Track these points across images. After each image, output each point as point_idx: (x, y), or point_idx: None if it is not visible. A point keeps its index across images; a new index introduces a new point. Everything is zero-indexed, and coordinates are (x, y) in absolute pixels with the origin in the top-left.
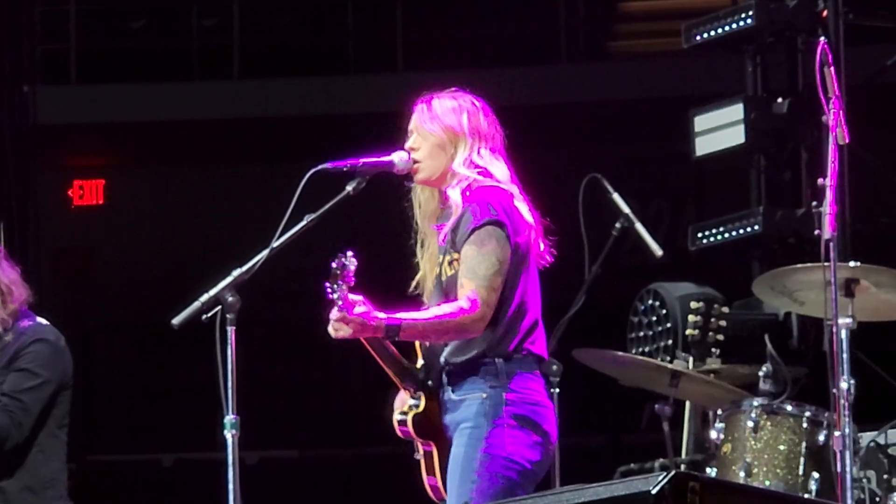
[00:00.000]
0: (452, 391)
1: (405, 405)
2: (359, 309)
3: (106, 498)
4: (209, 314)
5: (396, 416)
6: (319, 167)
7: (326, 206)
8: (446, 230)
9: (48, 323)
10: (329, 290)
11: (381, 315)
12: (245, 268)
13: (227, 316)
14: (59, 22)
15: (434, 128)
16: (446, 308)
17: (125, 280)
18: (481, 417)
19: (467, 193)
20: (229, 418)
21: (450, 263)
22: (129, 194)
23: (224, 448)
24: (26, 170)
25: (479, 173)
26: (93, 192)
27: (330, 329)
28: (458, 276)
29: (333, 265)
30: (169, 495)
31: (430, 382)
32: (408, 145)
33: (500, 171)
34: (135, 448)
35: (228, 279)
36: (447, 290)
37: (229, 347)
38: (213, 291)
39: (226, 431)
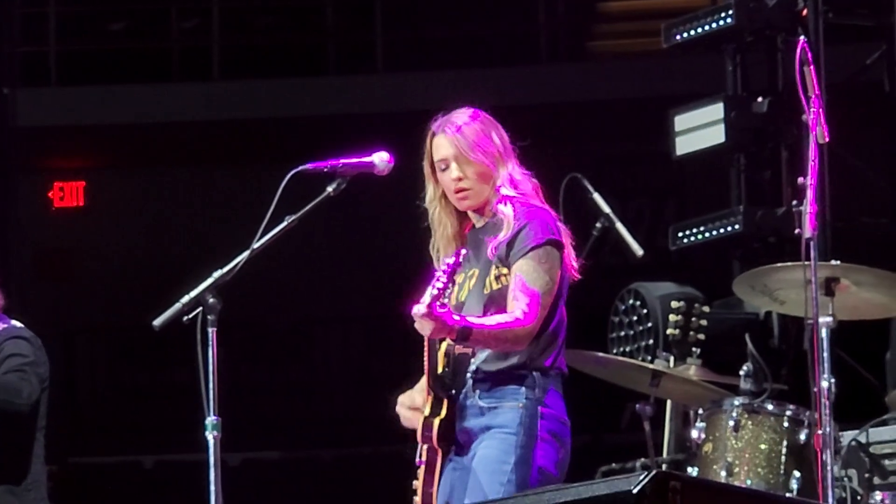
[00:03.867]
0: (480, 398)
1: (429, 407)
2: (441, 309)
3: (87, 500)
4: (190, 316)
5: (423, 417)
6: (299, 168)
7: (307, 208)
8: (499, 243)
9: (23, 325)
10: (437, 283)
11: (457, 317)
12: (226, 269)
13: (209, 317)
14: (39, 24)
15: (477, 157)
16: (506, 318)
17: (106, 282)
18: (518, 426)
19: (515, 208)
20: (211, 420)
21: (497, 278)
22: (109, 196)
23: (205, 449)
24: (6, 172)
25: (520, 192)
26: (73, 193)
27: (416, 325)
28: (512, 287)
29: (450, 262)
30: (150, 497)
31: (453, 391)
32: (452, 177)
33: (529, 188)
34: (116, 450)
35: (209, 281)
36: (489, 304)
37: (210, 349)
38: (194, 293)
39: (207, 433)
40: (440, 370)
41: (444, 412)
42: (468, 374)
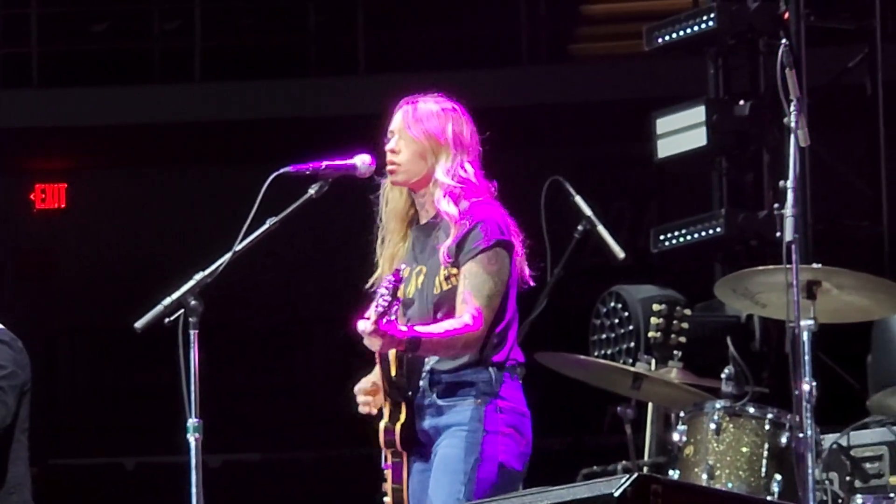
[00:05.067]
0: (438, 397)
1: (388, 413)
2: (386, 323)
3: (68, 502)
4: (172, 318)
5: (384, 424)
6: (281, 170)
7: (289, 210)
8: (448, 245)
9: (3, 327)
10: (381, 300)
11: (404, 328)
12: (207, 271)
13: (190, 319)
14: (21, 25)
15: (417, 133)
16: (455, 324)
17: (88, 283)
18: (476, 422)
19: (463, 206)
20: (192, 421)
21: (446, 278)
22: (90, 198)
23: (186, 451)
24: None
25: (464, 187)
26: (55, 195)
27: (365, 341)
28: (461, 290)
29: (393, 279)
30: (131, 499)
31: (409, 392)
32: (389, 147)
33: (484, 186)
34: (97, 451)
35: (191, 283)
36: (439, 305)
37: (192, 351)
38: (175, 295)
39: (188, 435)
40: (394, 375)
41: (402, 416)
42: (423, 375)
